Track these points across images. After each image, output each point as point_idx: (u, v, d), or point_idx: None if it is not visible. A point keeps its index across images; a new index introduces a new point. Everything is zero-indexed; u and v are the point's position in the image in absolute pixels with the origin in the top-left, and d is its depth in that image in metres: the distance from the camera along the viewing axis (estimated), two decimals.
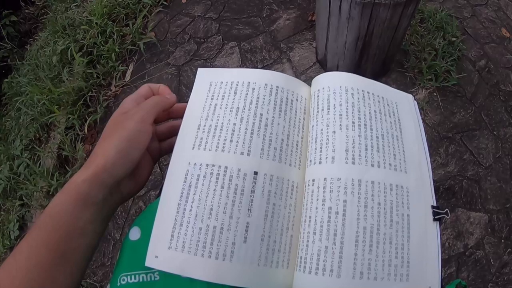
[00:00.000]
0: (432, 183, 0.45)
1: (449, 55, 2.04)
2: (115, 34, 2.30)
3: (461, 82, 2.02)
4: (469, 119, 1.94)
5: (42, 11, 3.03)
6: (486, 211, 1.72)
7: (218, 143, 0.43)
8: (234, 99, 0.46)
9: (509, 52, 2.21)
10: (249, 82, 0.48)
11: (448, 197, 1.73)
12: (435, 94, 1.98)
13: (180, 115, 0.48)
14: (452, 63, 2.02)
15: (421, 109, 1.92)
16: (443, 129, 1.89)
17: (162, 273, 0.42)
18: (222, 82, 0.49)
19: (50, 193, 1.89)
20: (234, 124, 0.44)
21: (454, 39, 2.12)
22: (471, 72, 2.09)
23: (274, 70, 0.46)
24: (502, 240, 1.67)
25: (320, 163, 0.43)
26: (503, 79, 2.10)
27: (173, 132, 0.49)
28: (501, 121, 1.96)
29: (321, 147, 0.44)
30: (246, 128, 0.44)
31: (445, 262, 1.60)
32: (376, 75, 1.95)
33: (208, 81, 0.50)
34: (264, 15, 2.38)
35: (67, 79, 2.15)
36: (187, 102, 0.48)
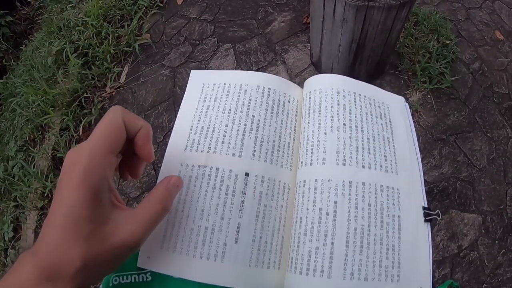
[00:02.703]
0: (423, 184, 0.45)
1: (443, 58, 2.05)
2: (111, 36, 2.29)
3: (455, 84, 2.04)
4: (463, 121, 1.95)
5: (38, 11, 3.03)
6: (480, 213, 1.73)
7: (210, 144, 0.43)
8: (226, 100, 0.47)
9: (502, 54, 2.22)
10: (241, 84, 0.48)
11: (442, 198, 1.74)
12: (429, 96, 1.99)
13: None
14: (446, 66, 2.03)
15: (415, 111, 1.93)
16: (437, 131, 1.90)
17: (154, 274, 0.42)
18: (214, 84, 0.49)
19: (45, 194, 1.88)
20: (226, 125, 0.44)
21: (448, 41, 2.13)
22: (465, 74, 2.10)
23: (269, 73, 0.47)
24: (496, 241, 1.68)
25: (311, 164, 0.43)
26: (497, 81, 2.11)
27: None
28: (495, 123, 1.97)
29: (312, 149, 0.44)
30: (238, 130, 0.44)
31: (439, 264, 1.60)
32: (370, 78, 1.96)
33: (201, 83, 0.50)
34: (259, 17, 2.38)
35: (62, 80, 2.14)
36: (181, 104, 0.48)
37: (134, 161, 0.38)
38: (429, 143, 1.87)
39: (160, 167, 0.43)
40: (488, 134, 1.93)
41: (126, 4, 2.45)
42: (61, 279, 0.27)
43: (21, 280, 0.27)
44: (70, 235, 0.27)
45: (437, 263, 1.60)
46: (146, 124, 0.36)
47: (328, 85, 0.48)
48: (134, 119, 0.35)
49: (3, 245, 1.89)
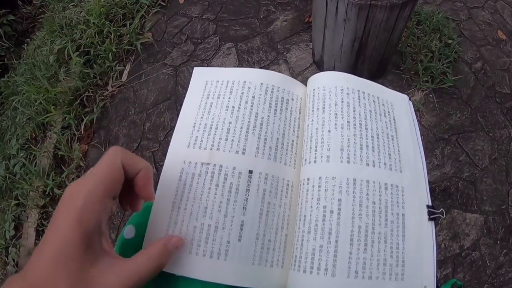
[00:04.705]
0: (427, 183, 0.45)
1: (445, 57, 2.05)
2: (112, 34, 2.29)
3: (457, 84, 2.03)
4: (465, 120, 1.95)
5: (40, 10, 3.03)
6: (482, 213, 1.73)
7: (213, 141, 0.43)
8: (229, 98, 0.46)
9: (505, 54, 2.21)
10: (244, 81, 0.48)
11: (444, 198, 1.74)
12: (431, 95, 1.98)
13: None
14: (448, 65, 2.02)
15: (417, 110, 1.93)
16: (439, 130, 1.90)
17: None
18: (218, 81, 0.49)
19: (46, 193, 1.88)
20: (230, 123, 0.44)
21: (450, 41, 2.12)
22: (467, 74, 2.09)
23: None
24: (498, 241, 1.68)
25: (315, 162, 0.43)
26: (499, 81, 2.10)
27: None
28: (497, 123, 1.97)
29: (316, 146, 0.44)
30: (241, 127, 0.44)
31: (441, 263, 1.60)
32: (373, 77, 1.95)
33: (204, 80, 0.50)
34: (261, 16, 2.38)
35: (63, 78, 2.14)
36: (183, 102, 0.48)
37: (134, 196, 0.37)
38: (431, 142, 1.86)
39: (162, 165, 0.43)
40: (490, 134, 1.92)
41: (128, 2, 2.45)
42: None
43: None
44: (58, 272, 0.28)
45: (438, 263, 1.59)
46: (146, 165, 0.36)
47: (332, 83, 0.48)
48: (134, 161, 0.35)
49: (4, 243, 1.89)
